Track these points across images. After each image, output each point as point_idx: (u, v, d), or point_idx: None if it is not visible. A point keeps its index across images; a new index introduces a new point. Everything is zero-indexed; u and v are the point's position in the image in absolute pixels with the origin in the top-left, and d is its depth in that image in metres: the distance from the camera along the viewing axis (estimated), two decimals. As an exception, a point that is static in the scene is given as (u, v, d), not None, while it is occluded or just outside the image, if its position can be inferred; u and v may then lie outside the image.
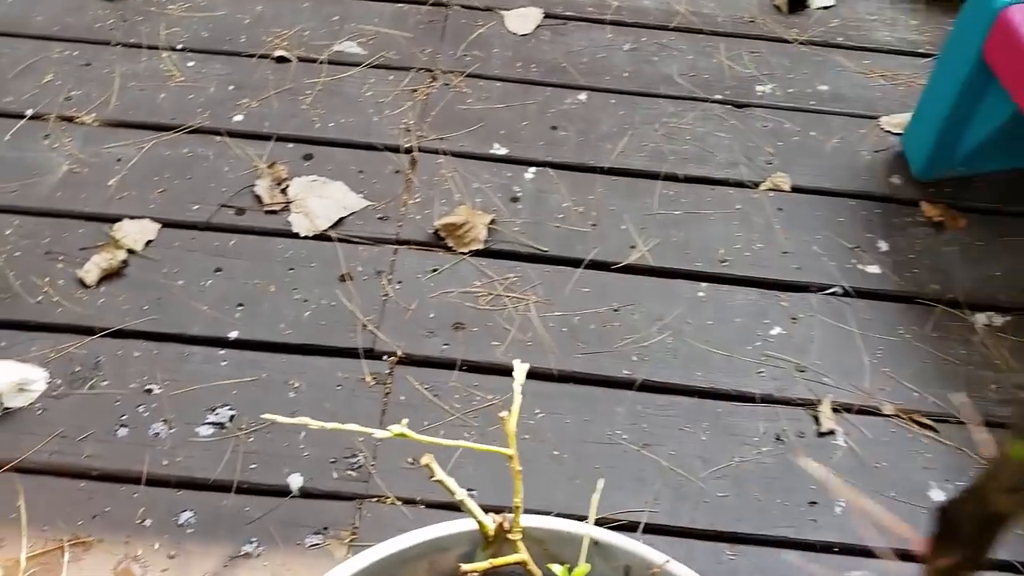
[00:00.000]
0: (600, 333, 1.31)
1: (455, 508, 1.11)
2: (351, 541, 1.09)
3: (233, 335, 1.27)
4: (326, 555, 1.08)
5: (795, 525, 1.14)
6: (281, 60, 1.65)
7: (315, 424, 0.67)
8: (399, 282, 1.35)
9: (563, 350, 1.29)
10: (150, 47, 1.65)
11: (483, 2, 1.79)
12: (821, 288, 1.38)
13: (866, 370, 1.29)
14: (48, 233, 1.37)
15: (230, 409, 1.19)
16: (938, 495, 1.17)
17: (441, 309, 1.32)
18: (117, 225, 1.38)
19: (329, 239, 1.39)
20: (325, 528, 1.10)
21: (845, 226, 1.47)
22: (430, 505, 1.13)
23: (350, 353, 1.27)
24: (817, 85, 1.70)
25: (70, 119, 1.53)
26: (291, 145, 1.52)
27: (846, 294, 1.38)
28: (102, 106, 1.55)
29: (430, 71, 1.66)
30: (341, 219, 1.42)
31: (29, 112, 1.53)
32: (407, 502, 1.13)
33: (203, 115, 1.54)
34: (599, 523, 1.01)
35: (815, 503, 1.16)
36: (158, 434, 1.17)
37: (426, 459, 0.66)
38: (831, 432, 1.22)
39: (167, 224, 1.39)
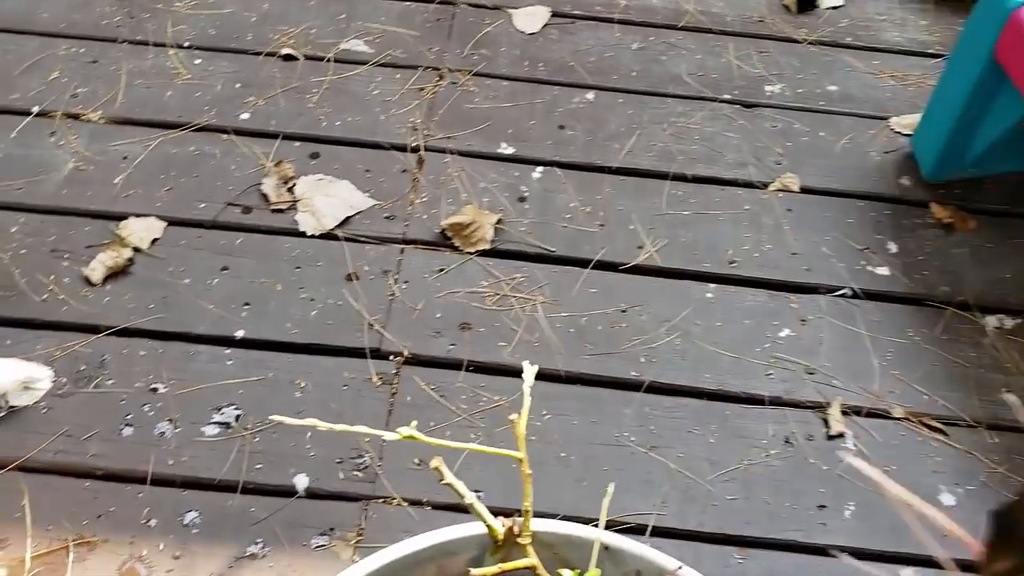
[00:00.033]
0: (608, 334, 1.30)
1: (462, 510, 1.11)
2: (357, 542, 1.09)
3: (239, 334, 1.27)
4: (332, 556, 1.08)
5: (804, 529, 1.13)
6: (288, 58, 1.64)
7: (324, 426, 0.66)
8: (406, 282, 1.34)
9: (570, 351, 1.28)
10: (157, 44, 1.65)
11: (491, 0, 1.78)
12: (830, 290, 1.38)
13: (875, 372, 1.28)
14: (54, 231, 1.37)
15: (236, 409, 1.19)
16: (948, 499, 1.16)
17: (448, 309, 1.32)
18: (123, 223, 1.38)
19: (336, 238, 1.39)
20: (331, 529, 1.10)
21: (854, 227, 1.46)
22: (436, 507, 1.12)
23: (356, 353, 1.26)
24: (826, 85, 1.69)
25: (76, 116, 1.52)
26: (298, 143, 1.51)
27: (855, 296, 1.37)
28: (108, 103, 1.54)
29: (437, 70, 1.65)
30: (348, 218, 1.41)
31: (35, 109, 1.52)
32: (413, 503, 1.12)
33: (210, 113, 1.54)
34: (606, 526, 1.00)
35: (824, 507, 1.15)
36: (163, 433, 1.17)
37: (435, 462, 0.66)
38: (840, 435, 1.21)
39: (173, 222, 1.39)
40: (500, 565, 0.65)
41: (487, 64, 1.67)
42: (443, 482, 0.67)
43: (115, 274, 1.32)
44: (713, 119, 1.61)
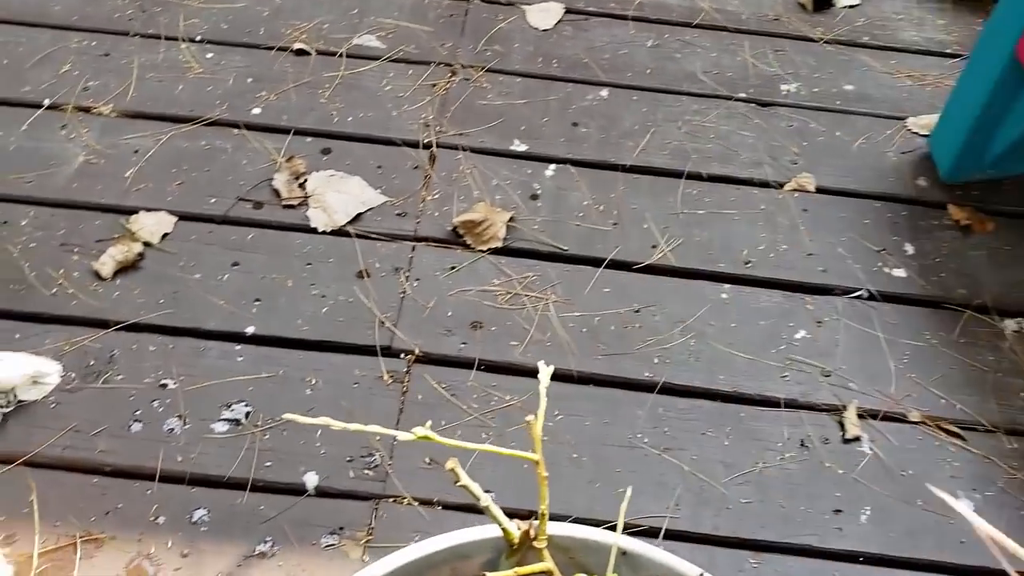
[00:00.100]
0: (621, 334, 1.29)
1: (473, 510, 1.10)
2: (367, 542, 1.08)
3: (250, 330, 1.26)
4: (341, 556, 1.06)
5: (819, 533, 1.12)
6: (300, 53, 1.63)
7: (337, 425, 0.65)
8: (417, 279, 1.33)
9: (583, 351, 1.27)
10: (169, 38, 1.64)
11: (504, -4, 1.77)
12: (846, 291, 1.36)
13: (892, 376, 1.27)
14: (64, 224, 1.36)
15: (246, 405, 1.18)
16: (966, 505, 1.14)
17: (459, 307, 1.30)
18: (133, 217, 1.37)
19: (347, 235, 1.37)
20: (341, 528, 1.08)
21: (871, 228, 1.45)
22: (447, 507, 1.11)
23: (367, 350, 1.25)
24: (843, 85, 1.67)
25: (87, 109, 1.51)
26: (309, 139, 1.50)
27: (872, 298, 1.36)
28: (120, 97, 1.53)
29: (450, 65, 1.64)
30: (359, 215, 1.40)
31: (46, 102, 1.51)
32: (424, 503, 1.11)
33: (221, 107, 1.53)
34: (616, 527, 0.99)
35: (840, 511, 1.13)
36: (172, 430, 1.16)
37: (451, 463, 0.65)
38: (856, 439, 1.20)
39: (184, 217, 1.38)
40: (516, 569, 0.64)
41: (500, 60, 1.65)
42: (458, 484, 0.65)
43: (125, 269, 1.31)
44: (728, 117, 1.59)
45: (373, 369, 1.23)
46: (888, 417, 1.22)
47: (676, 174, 1.49)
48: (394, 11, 1.72)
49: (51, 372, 1.19)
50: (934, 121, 1.57)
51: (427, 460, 1.14)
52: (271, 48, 1.63)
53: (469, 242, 1.38)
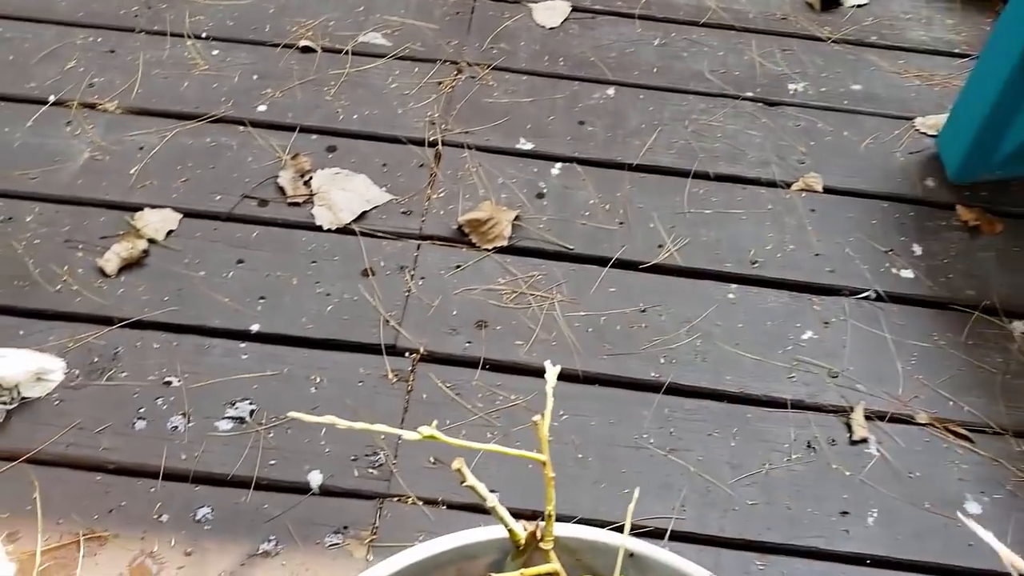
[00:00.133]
0: (626, 334, 1.28)
1: (478, 510, 1.10)
2: (371, 541, 1.07)
3: (254, 328, 1.25)
4: (345, 555, 1.06)
5: (826, 535, 1.11)
6: (306, 50, 1.63)
7: (343, 424, 0.64)
8: (422, 278, 1.32)
9: (588, 351, 1.26)
10: (175, 35, 1.63)
11: (511, -6, 1.76)
12: (854, 292, 1.35)
13: (899, 377, 1.26)
14: (68, 221, 1.36)
15: (250, 403, 1.17)
16: (974, 508, 1.14)
17: (464, 306, 1.30)
18: (138, 214, 1.36)
19: (352, 233, 1.37)
20: (345, 527, 1.08)
21: (878, 229, 1.44)
22: (452, 506, 1.11)
23: (372, 349, 1.24)
24: (850, 84, 1.66)
25: (92, 106, 1.51)
26: (315, 136, 1.50)
27: (879, 298, 1.35)
28: (125, 93, 1.53)
29: (456, 63, 1.63)
30: (364, 213, 1.39)
31: (51, 98, 1.51)
32: (429, 503, 1.11)
33: (227, 104, 1.52)
34: (622, 528, 0.99)
35: (847, 513, 1.13)
36: (176, 428, 1.15)
37: (457, 463, 0.64)
38: (864, 440, 1.19)
39: (189, 214, 1.38)
40: (522, 571, 0.64)
41: (506, 58, 1.65)
42: (464, 484, 0.65)
43: (130, 265, 1.31)
44: (735, 117, 1.58)
45: (378, 368, 1.22)
46: (895, 419, 1.22)
47: (683, 173, 1.49)
48: (400, 8, 1.72)
49: (55, 369, 1.18)
50: (942, 121, 1.56)
51: (432, 460, 1.14)
52: (277, 45, 1.63)
53: (474, 241, 1.37)
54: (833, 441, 1.19)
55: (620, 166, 1.49)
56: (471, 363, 1.24)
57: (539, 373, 1.22)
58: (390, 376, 1.22)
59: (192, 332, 1.25)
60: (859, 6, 1.83)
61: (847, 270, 1.38)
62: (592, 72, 1.64)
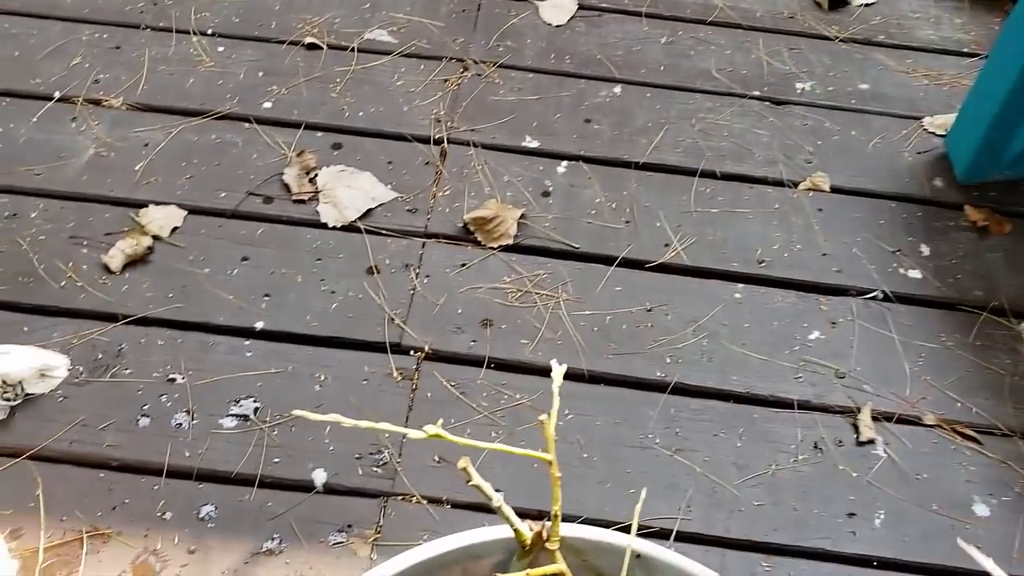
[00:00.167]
0: (632, 333, 1.28)
1: (483, 509, 1.09)
2: (375, 540, 1.07)
3: (259, 325, 1.25)
4: (349, 554, 1.06)
5: (832, 537, 1.10)
6: (312, 47, 1.62)
7: (348, 422, 0.64)
8: (427, 276, 1.32)
9: (594, 350, 1.25)
10: (180, 31, 1.63)
11: (517, -8, 1.76)
12: (861, 292, 1.34)
13: (907, 378, 1.25)
14: (73, 217, 1.35)
15: (254, 401, 1.17)
16: (982, 510, 1.13)
17: (469, 305, 1.29)
18: (143, 211, 1.36)
19: (357, 230, 1.36)
20: (349, 526, 1.08)
21: (886, 229, 1.43)
22: (456, 505, 1.10)
23: (377, 347, 1.24)
24: (858, 83, 1.65)
25: (98, 102, 1.51)
26: (320, 134, 1.49)
27: (886, 299, 1.34)
28: (130, 90, 1.53)
29: (462, 61, 1.63)
30: (369, 210, 1.39)
31: (57, 94, 1.51)
32: (433, 501, 1.10)
33: (232, 101, 1.52)
34: (628, 529, 0.98)
35: (854, 514, 1.12)
36: (180, 425, 1.15)
37: (463, 463, 0.63)
38: (871, 441, 1.18)
39: (194, 211, 1.37)
40: (528, 571, 0.63)
41: (512, 56, 1.64)
42: (470, 483, 0.64)
43: (134, 262, 1.30)
44: (742, 116, 1.57)
45: (382, 366, 1.22)
46: (903, 420, 1.21)
47: (689, 172, 1.48)
48: (406, 6, 1.71)
49: (59, 365, 1.18)
50: (951, 121, 1.55)
51: (436, 458, 1.13)
52: (282, 42, 1.63)
53: (480, 239, 1.37)
54: (840, 442, 1.18)
55: (626, 164, 1.49)
56: (476, 362, 1.23)
57: (544, 372, 1.21)
58: (395, 374, 1.21)
59: (196, 329, 1.24)
60: (867, 5, 1.82)
61: (854, 270, 1.37)
62: (598, 70, 1.63)
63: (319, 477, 1.11)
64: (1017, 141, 1.42)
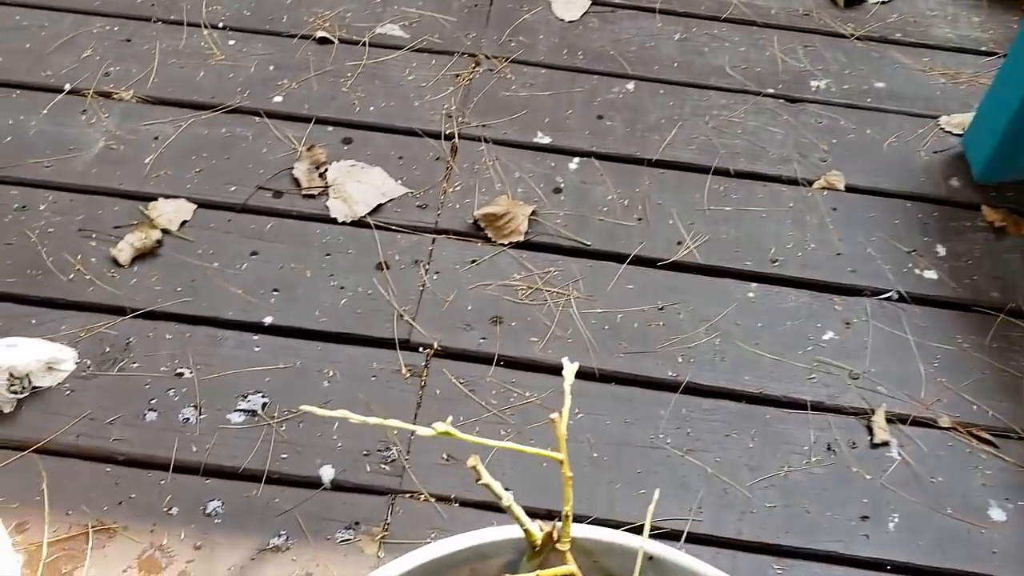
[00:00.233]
0: (644, 332, 1.26)
1: (491, 508, 1.08)
2: (382, 538, 1.06)
3: (267, 320, 1.24)
4: (356, 551, 1.05)
5: (845, 540, 1.09)
6: (323, 41, 1.61)
7: (356, 418, 0.63)
8: (437, 272, 1.31)
9: (604, 349, 1.24)
10: (191, 24, 1.62)
11: (530, -13, 1.74)
12: (876, 292, 1.33)
13: (922, 380, 1.23)
14: (82, 210, 1.35)
15: (262, 396, 1.16)
16: (998, 514, 1.11)
17: (479, 302, 1.28)
18: (152, 204, 1.35)
19: (367, 226, 1.35)
20: (356, 523, 1.07)
21: (901, 229, 1.41)
22: (464, 504, 1.09)
23: (386, 343, 1.23)
24: (874, 82, 1.64)
25: (108, 95, 1.50)
26: (330, 128, 1.48)
27: (901, 299, 1.32)
28: (141, 83, 1.52)
29: (473, 56, 1.61)
30: (379, 205, 1.38)
31: (67, 87, 1.50)
32: (441, 499, 1.09)
33: (243, 95, 1.51)
34: (639, 530, 0.96)
35: (867, 518, 1.10)
36: (188, 419, 1.14)
37: (472, 461, 0.62)
38: (885, 443, 1.17)
39: (203, 205, 1.36)
40: (538, 572, 0.62)
41: (525, 51, 1.63)
42: (480, 482, 0.63)
43: (143, 256, 1.30)
44: (756, 113, 1.56)
45: (391, 362, 1.21)
46: (918, 422, 1.19)
47: (703, 169, 1.46)
48: (418, 0, 1.70)
49: (66, 359, 1.17)
50: (968, 120, 1.53)
51: (444, 456, 1.12)
52: (293, 36, 1.62)
53: (490, 235, 1.35)
54: (853, 444, 1.17)
55: (639, 161, 1.47)
56: (485, 359, 1.22)
57: (554, 370, 1.20)
58: (403, 371, 1.20)
59: (205, 324, 1.24)
60: (883, 2, 1.80)
61: (869, 270, 1.35)
62: (611, 66, 1.62)
63: (327, 473, 1.10)
64: (1036, 141, 1.40)
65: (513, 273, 1.32)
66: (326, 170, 1.41)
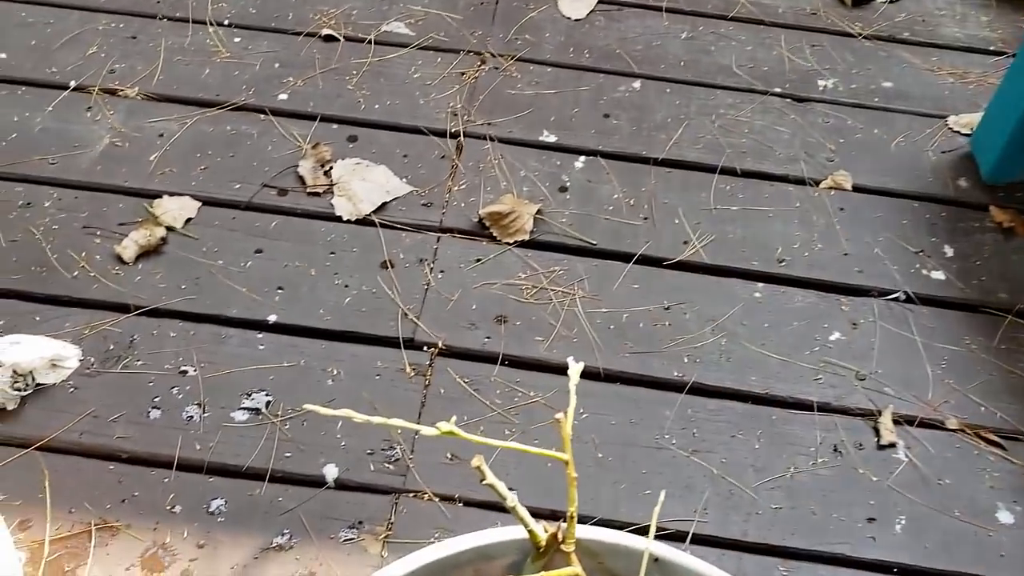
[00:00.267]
0: (649, 332, 1.26)
1: (495, 508, 1.07)
2: (386, 537, 1.05)
3: (272, 319, 1.24)
4: (360, 550, 1.04)
5: (851, 542, 1.08)
6: (328, 39, 1.61)
7: (360, 418, 0.62)
8: (441, 271, 1.30)
9: (610, 349, 1.24)
10: (197, 21, 1.62)
11: (536, -15, 1.73)
12: (883, 293, 1.32)
13: (929, 381, 1.23)
14: (87, 207, 1.34)
15: (266, 395, 1.16)
16: (1006, 517, 1.10)
17: (484, 301, 1.28)
18: (157, 201, 1.35)
19: (372, 224, 1.35)
20: (360, 522, 1.06)
21: (908, 229, 1.40)
22: (468, 503, 1.08)
23: (390, 342, 1.22)
24: (881, 81, 1.63)
25: (113, 92, 1.50)
26: (335, 126, 1.48)
27: (909, 300, 1.32)
28: (146, 80, 1.52)
29: (479, 54, 1.61)
30: (384, 204, 1.38)
31: (72, 83, 1.50)
32: (445, 499, 1.09)
33: (248, 92, 1.51)
34: (644, 531, 0.96)
35: (874, 520, 1.10)
36: (191, 418, 1.14)
37: (477, 461, 0.62)
38: (892, 445, 1.16)
39: (208, 202, 1.36)
40: (543, 574, 0.61)
41: (531, 50, 1.62)
42: (484, 482, 0.63)
43: (147, 253, 1.29)
44: (763, 112, 1.55)
45: (395, 361, 1.20)
46: (925, 424, 1.19)
47: (709, 169, 1.46)
48: (424, -2, 1.70)
49: (70, 356, 1.17)
50: (976, 120, 1.53)
51: (448, 455, 1.12)
52: (299, 33, 1.61)
53: (495, 234, 1.35)
54: (860, 445, 1.16)
55: (645, 160, 1.47)
56: (490, 358, 1.22)
57: (559, 370, 1.20)
58: (408, 370, 1.20)
59: (209, 321, 1.23)
60: (891, 1, 1.79)
61: (876, 270, 1.34)
62: (618, 65, 1.61)
63: (330, 472, 1.10)
64: (1045, 141, 1.39)
65: (518, 272, 1.31)
66: (331, 168, 1.41)
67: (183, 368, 1.18)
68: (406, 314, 1.25)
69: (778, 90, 1.59)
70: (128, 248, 1.29)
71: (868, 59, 1.67)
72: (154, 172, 1.39)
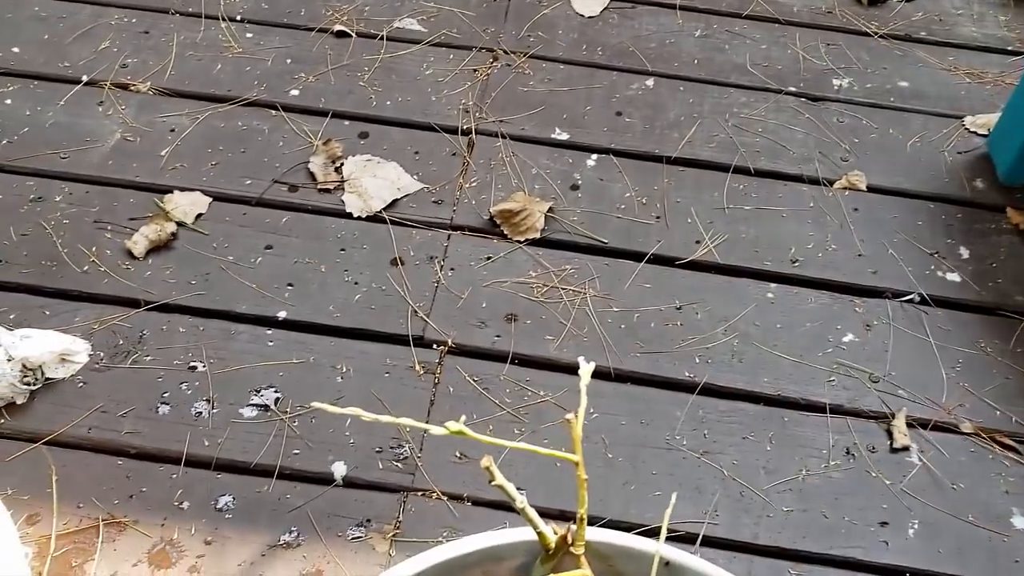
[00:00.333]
0: (661, 332, 1.25)
1: (503, 508, 1.07)
2: (394, 536, 1.05)
3: (281, 315, 1.23)
4: (367, 549, 1.04)
5: (864, 546, 1.07)
6: (340, 35, 1.60)
7: (368, 416, 0.61)
8: (452, 269, 1.30)
9: (620, 348, 1.23)
10: (209, 17, 1.62)
11: (549, -18, 1.73)
12: (897, 294, 1.31)
13: (943, 384, 1.21)
14: (97, 202, 1.34)
15: (275, 391, 1.15)
16: (1021, 522, 1.09)
17: (494, 299, 1.27)
18: (168, 196, 1.35)
19: (382, 221, 1.34)
20: (368, 521, 1.06)
21: (924, 230, 1.39)
22: (477, 503, 1.08)
23: (399, 340, 1.22)
24: (897, 81, 1.61)
25: (125, 87, 1.50)
26: (347, 122, 1.47)
27: (923, 302, 1.30)
28: (158, 75, 1.52)
29: (492, 51, 1.60)
30: (395, 201, 1.37)
31: (84, 78, 1.50)
32: (453, 498, 1.08)
33: (259, 88, 1.51)
34: (653, 533, 0.95)
35: (886, 523, 1.08)
36: (200, 413, 1.13)
37: (486, 461, 0.61)
38: (905, 448, 1.15)
39: (218, 198, 1.36)
40: (552, 576, 0.61)
41: (543, 47, 1.61)
42: (493, 483, 0.62)
43: (158, 248, 1.29)
44: (777, 111, 1.54)
45: (404, 359, 1.20)
46: (939, 427, 1.17)
47: (723, 168, 1.44)
48: (436, -5, 1.69)
49: (80, 351, 1.17)
50: (993, 120, 1.51)
51: (457, 454, 1.11)
52: (311, 29, 1.61)
53: (506, 232, 1.34)
54: (873, 448, 1.15)
55: (658, 159, 1.46)
56: (500, 357, 1.21)
57: (569, 369, 1.19)
58: (417, 368, 1.19)
59: (219, 317, 1.23)
60: (908, 1, 1.77)
61: (890, 272, 1.33)
62: (631, 63, 1.60)
63: (339, 470, 1.09)
64: (1063, 142, 1.37)
65: (529, 270, 1.30)
66: (342, 164, 1.41)
67: (192, 364, 1.18)
68: (416, 312, 1.24)
69: (793, 89, 1.58)
70: (138, 243, 1.28)
71: (884, 58, 1.65)
72: (165, 167, 1.39)
